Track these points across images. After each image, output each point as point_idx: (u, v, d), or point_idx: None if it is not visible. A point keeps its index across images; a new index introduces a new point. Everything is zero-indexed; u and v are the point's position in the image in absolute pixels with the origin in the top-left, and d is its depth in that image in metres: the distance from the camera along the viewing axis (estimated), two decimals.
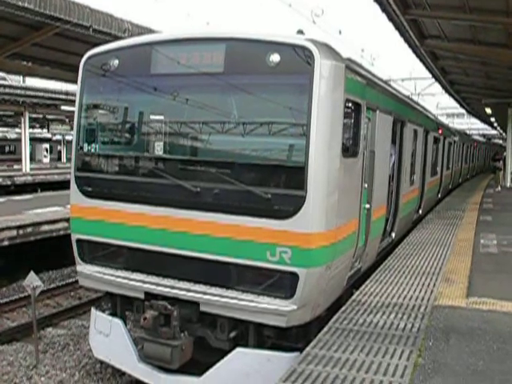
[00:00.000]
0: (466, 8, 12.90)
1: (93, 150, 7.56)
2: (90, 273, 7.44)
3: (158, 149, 7.23)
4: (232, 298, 6.34)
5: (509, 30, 14.00)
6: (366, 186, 7.98)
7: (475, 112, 42.14)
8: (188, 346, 6.74)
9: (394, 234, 10.96)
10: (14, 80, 32.90)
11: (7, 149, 57.83)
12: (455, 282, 7.86)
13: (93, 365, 9.17)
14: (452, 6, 13.17)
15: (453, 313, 6.46)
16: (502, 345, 5.45)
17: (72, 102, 8.20)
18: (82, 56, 7.68)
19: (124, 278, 7.11)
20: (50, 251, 14.66)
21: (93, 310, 7.94)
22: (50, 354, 9.73)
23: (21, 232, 14.36)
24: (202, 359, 7.01)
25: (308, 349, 5.25)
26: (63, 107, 35.05)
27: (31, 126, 46.46)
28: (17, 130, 53.43)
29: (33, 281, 9.14)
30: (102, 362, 8.69)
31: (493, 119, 41.49)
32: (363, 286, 7.53)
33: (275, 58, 6.15)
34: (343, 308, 6.56)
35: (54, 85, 29.72)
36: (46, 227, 15.13)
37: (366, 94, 7.55)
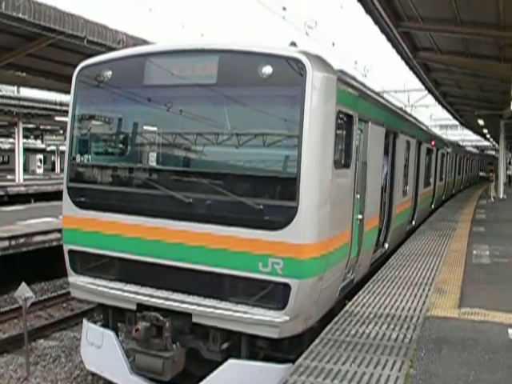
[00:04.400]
0: (457, 21, 13.03)
1: (85, 161, 7.55)
2: (81, 284, 7.40)
3: (151, 160, 7.24)
4: (224, 309, 6.31)
5: (500, 43, 14.14)
6: (359, 196, 8.01)
7: (468, 123, 42.41)
8: (180, 357, 6.70)
9: (387, 245, 10.97)
10: (8, 90, 32.92)
11: (0, 159, 57.73)
12: (447, 293, 7.88)
13: (84, 377, 9.11)
14: (444, 18, 13.29)
15: (445, 323, 6.47)
16: (494, 355, 5.46)
17: (66, 113, 8.20)
18: (76, 67, 7.70)
19: (116, 289, 7.07)
20: (43, 262, 14.58)
21: (84, 321, 7.89)
22: (42, 366, 9.66)
23: (13, 243, 14.30)
24: (194, 371, 6.97)
25: (300, 360, 5.25)
26: (57, 118, 35.05)
27: (25, 137, 46.41)
28: (10, 140, 53.31)
29: (24, 292, 9.09)
30: (93, 374, 8.63)
31: (485, 131, 41.75)
32: (356, 297, 7.54)
33: (267, 69, 6.18)
34: (335, 319, 6.56)
35: (48, 95, 29.71)
36: (38, 238, 15.08)
37: (358, 106, 7.60)
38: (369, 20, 13.13)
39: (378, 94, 10.41)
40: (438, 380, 4.82)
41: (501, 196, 28.21)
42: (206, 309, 6.42)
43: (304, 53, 6.26)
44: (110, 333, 7.42)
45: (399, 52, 16.55)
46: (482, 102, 25.62)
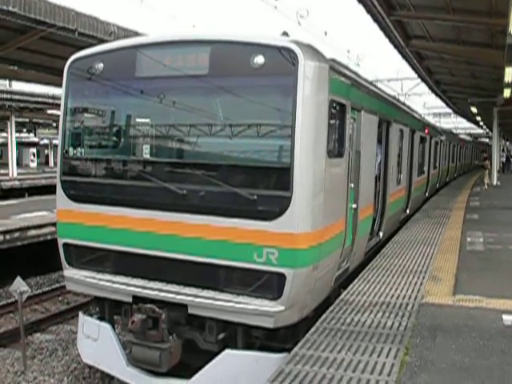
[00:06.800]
0: (449, 9, 13.02)
1: (78, 154, 7.52)
2: (77, 277, 7.39)
3: (145, 152, 7.23)
4: (219, 299, 6.32)
5: (492, 30, 14.13)
6: (353, 185, 8.02)
7: (461, 111, 42.44)
8: (176, 348, 6.72)
9: (381, 234, 11.01)
10: (0, 84, 32.67)
11: None
12: (442, 280, 7.92)
13: (81, 370, 9.13)
14: (436, 6, 13.28)
15: (439, 310, 6.51)
16: (488, 341, 5.50)
17: (58, 106, 8.15)
18: (67, 59, 7.65)
19: (112, 281, 7.07)
20: (38, 256, 14.56)
21: (81, 314, 7.90)
22: (38, 359, 9.67)
23: (8, 237, 14.27)
24: (190, 362, 6.99)
25: (296, 349, 5.27)
26: (50, 111, 34.83)
27: (18, 131, 46.14)
28: (3, 134, 52.98)
29: (20, 286, 9.08)
30: (90, 367, 8.65)
31: (478, 118, 41.80)
32: (351, 286, 7.57)
33: (259, 59, 6.16)
34: (331, 308, 6.59)
35: (40, 89, 29.51)
36: (33, 232, 15.05)
37: (350, 95, 7.59)
38: (361, 9, 13.12)
39: (370, 82, 10.40)
40: (433, 367, 4.86)
41: (494, 183, 28.30)
42: (201, 300, 6.43)
43: (296, 42, 6.24)
44: (106, 325, 7.43)
45: (392, 41, 16.53)
46: (475, 89, 25.64)
